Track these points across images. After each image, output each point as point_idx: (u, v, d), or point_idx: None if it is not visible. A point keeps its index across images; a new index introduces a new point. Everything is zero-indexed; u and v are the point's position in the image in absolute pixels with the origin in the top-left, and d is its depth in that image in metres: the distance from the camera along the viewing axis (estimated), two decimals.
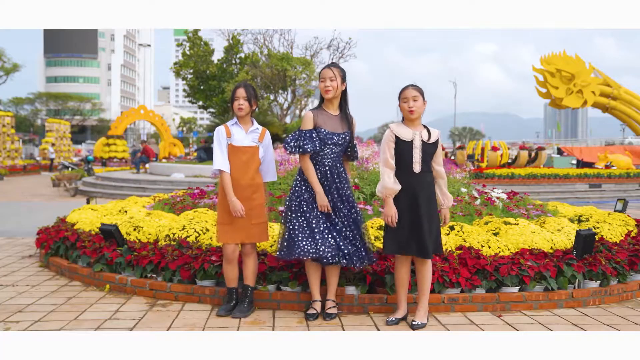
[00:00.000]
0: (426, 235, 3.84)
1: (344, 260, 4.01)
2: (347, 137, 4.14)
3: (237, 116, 4.25)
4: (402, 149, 3.88)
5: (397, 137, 3.89)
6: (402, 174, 3.88)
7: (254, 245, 4.26)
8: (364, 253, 4.08)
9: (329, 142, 4.07)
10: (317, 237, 3.96)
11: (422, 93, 3.93)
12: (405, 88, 3.96)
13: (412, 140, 3.88)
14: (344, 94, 4.17)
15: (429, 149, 3.92)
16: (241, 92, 4.20)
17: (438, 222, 3.97)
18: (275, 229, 4.98)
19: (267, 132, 4.39)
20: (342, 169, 4.14)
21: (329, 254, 3.93)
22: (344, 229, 4.04)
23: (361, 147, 7.79)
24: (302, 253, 3.95)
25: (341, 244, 4.00)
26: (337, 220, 4.04)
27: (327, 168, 4.08)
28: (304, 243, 3.96)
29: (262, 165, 4.32)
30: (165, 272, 4.66)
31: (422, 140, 3.90)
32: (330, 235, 4.00)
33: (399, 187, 3.84)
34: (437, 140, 3.98)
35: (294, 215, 4.05)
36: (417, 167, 3.88)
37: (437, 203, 4.00)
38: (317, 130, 4.05)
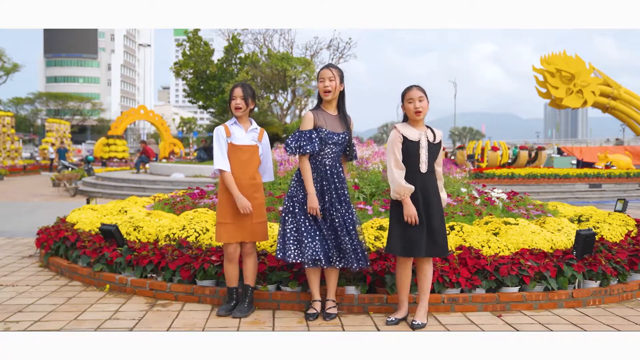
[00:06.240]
0: (439, 233, 3.87)
1: (337, 262, 4.02)
2: (347, 137, 4.15)
3: (235, 116, 4.26)
4: (410, 149, 3.88)
5: (404, 137, 3.89)
6: (409, 174, 3.88)
7: (254, 245, 4.27)
8: (360, 254, 4.06)
9: (330, 142, 4.07)
10: (305, 241, 3.97)
11: (426, 93, 3.96)
12: (409, 89, 3.96)
13: (419, 141, 3.89)
14: (341, 94, 4.18)
15: (434, 149, 3.95)
16: (238, 91, 4.22)
17: (445, 221, 3.99)
18: (275, 229, 4.98)
19: (265, 132, 4.40)
20: (340, 169, 4.15)
21: (316, 257, 3.94)
22: (339, 229, 4.02)
23: (361, 147, 7.80)
24: (291, 256, 3.98)
25: (332, 245, 4.01)
26: (335, 220, 4.03)
27: (327, 168, 4.08)
28: (294, 247, 3.99)
29: (260, 165, 4.33)
30: (165, 272, 4.67)
31: (428, 141, 3.92)
32: (318, 238, 3.99)
33: (412, 187, 3.84)
34: (441, 140, 4.02)
35: (287, 217, 4.07)
36: (423, 167, 3.89)
37: None
38: (318, 130, 4.05)
